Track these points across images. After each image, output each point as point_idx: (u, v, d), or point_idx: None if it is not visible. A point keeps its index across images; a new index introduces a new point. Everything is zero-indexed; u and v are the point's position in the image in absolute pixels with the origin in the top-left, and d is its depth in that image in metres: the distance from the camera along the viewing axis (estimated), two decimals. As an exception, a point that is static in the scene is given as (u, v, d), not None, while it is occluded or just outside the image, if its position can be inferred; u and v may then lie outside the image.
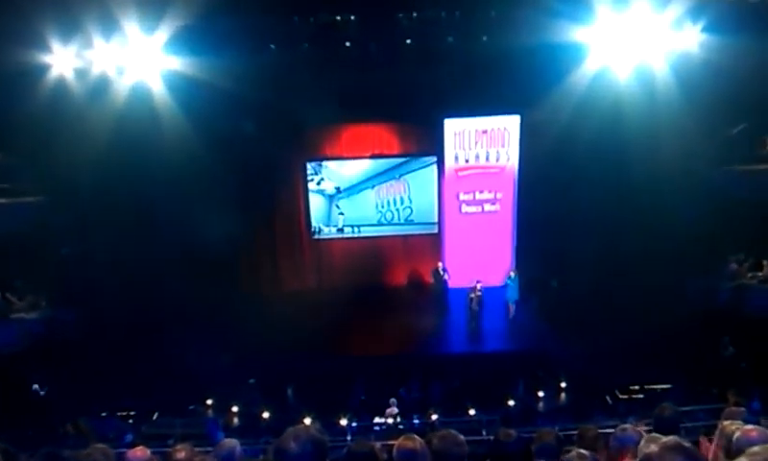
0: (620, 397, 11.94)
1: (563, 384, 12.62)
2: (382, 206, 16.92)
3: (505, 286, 14.98)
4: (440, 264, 15.69)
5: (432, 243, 17.09)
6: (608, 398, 12.04)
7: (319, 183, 16.71)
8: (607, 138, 13.79)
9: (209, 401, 12.33)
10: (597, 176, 14.54)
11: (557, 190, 15.14)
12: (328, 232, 17.08)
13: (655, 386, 11.88)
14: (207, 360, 12.95)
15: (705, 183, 13.39)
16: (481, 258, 16.08)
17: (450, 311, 15.43)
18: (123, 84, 12.42)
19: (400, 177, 16.73)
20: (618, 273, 14.41)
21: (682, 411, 4.68)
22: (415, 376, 12.75)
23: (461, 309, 14.93)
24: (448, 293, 15.57)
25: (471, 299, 14.39)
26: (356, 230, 17.04)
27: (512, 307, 14.88)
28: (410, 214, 16.95)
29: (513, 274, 14.98)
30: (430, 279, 16.21)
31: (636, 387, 12.03)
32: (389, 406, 11.56)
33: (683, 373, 11.91)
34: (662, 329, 12.54)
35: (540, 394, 12.45)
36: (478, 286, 14.40)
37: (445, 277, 15.49)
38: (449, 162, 16.18)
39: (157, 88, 12.76)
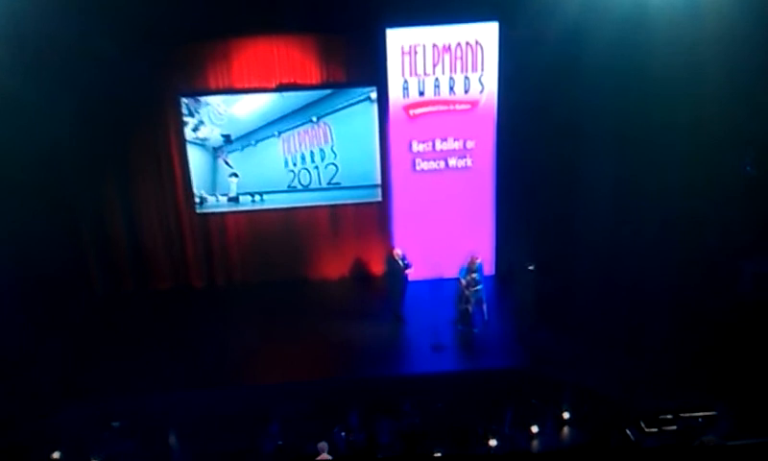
0: (647, 430, 12.16)
1: (565, 415, 12.79)
2: (294, 164, 16.68)
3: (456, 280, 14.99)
4: (398, 250, 15.40)
5: (374, 215, 17.21)
6: (629, 432, 12.24)
7: (196, 130, 16.29)
8: (625, 54, 13.83)
9: (56, 455, 12.17)
10: (611, 110, 14.62)
11: (554, 133, 15.22)
12: (215, 203, 16.83)
13: (694, 413, 12.13)
14: (52, 397, 12.84)
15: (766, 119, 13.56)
16: (446, 236, 16.22)
17: (408, 316, 15.46)
18: None
19: (319, 119, 16.45)
20: (642, 253, 14.60)
21: (730, 447, 4.72)
22: (355, 409, 12.77)
23: (420, 312, 15.17)
24: (406, 291, 15.48)
25: (466, 297, 14.47)
26: (258, 198, 16.87)
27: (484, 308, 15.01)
28: (335, 174, 16.78)
29: (468, 263, 14.89)
30: (377, 269, 16.41)
31: (669, 416, 12.25)
32: (318, 453, 11.51)
33: (732, 395, 12.16)
34: (705, 335, 12.76)
35: (534, 429, 12.58)
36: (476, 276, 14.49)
37: (409, 270, 15.31)
38: (395, 95, 15.98)
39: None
